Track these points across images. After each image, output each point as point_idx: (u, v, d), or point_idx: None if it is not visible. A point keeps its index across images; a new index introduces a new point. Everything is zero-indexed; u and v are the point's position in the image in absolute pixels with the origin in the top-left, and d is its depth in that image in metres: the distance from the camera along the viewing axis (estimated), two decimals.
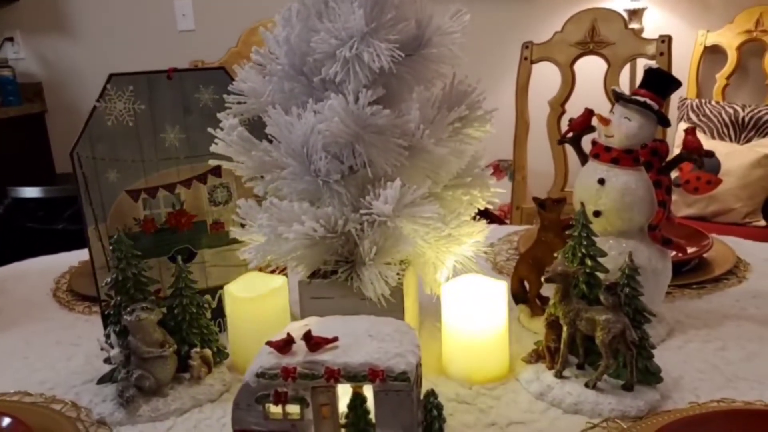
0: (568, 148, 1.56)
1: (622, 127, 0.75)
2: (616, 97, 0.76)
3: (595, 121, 0.79)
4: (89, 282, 1.03)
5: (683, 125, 2.18)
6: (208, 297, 0.83)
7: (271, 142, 0.70)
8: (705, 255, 1.00)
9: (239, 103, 0.74)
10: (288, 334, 0.56)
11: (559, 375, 0.69)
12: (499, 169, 2.44)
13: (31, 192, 2.48)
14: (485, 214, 0.77)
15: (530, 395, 0.68)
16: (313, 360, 0.54)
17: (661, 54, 1.60)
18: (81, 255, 1.20)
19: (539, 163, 1.90)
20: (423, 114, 0.65)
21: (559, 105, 1.76)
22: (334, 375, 0.53)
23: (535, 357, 0.73)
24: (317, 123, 0.62)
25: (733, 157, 2.04)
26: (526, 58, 1.79)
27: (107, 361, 0.73)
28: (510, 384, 0.71)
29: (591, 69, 1.79)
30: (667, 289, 0.82)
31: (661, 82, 0.76)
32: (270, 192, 0.72)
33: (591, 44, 1.69)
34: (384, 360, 0.54)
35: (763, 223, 2.01)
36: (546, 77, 1.82)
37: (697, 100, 2.22)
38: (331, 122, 0.61)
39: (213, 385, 0.72)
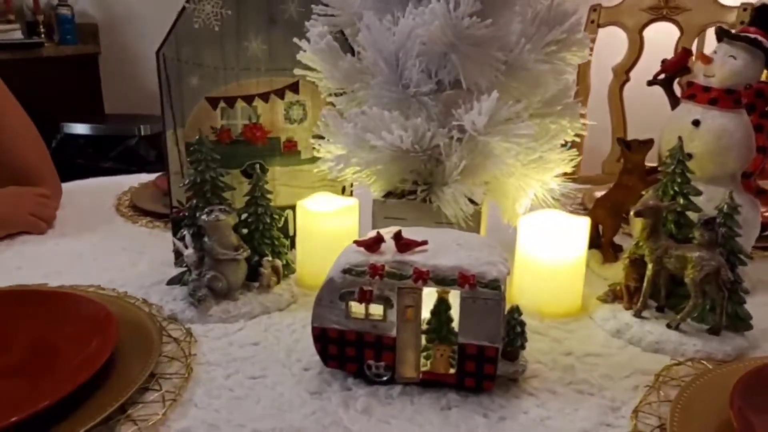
0: (631, 119, 1.47)
1: (726, 66, 0.71)
2: (722, 35, 0.72)
3: (692, 62, 0.75)
4: (151, 199, 1.05)
5: None
6: (276, 217, 0.82)
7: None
8: None
9: (326, 15, 0.73)
10: (378, 232, 0.55)
11: (638, 315, 0.66)
12: None
13: (81, 129, 2.52)
14: None
15: (605, 333, 0.66)
16: (401, 260, 0.53)
17: (742, 23, 1.52)
18: (140, 178, 1.22)
19: (595, 135, 1.84)
20: (524, 29, 0.62)
21: (623, 72, 1.70)
22: (423, 276, 0.52)
23: (612, 296, 0.71)
24: (416, 27, 0.60)
25: None
26: (593, 21, 1.72)
27: (179, 262, 0.73)
28: (583, 321, 0.69)
29: (661, 36, 1.71)
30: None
31: None
32: (352, 106, 0.70)
33: (664, 9, 1.62)
34: (475, 266, 0.52)
35: None
36: (612, 43, 1.76)
37: None
38: (431, 26, 0.59)
39: (282, 295, 0.72)
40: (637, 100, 1.76)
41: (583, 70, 1.73)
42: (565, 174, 0.73)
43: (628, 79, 1.70)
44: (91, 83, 2.94)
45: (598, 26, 1.71)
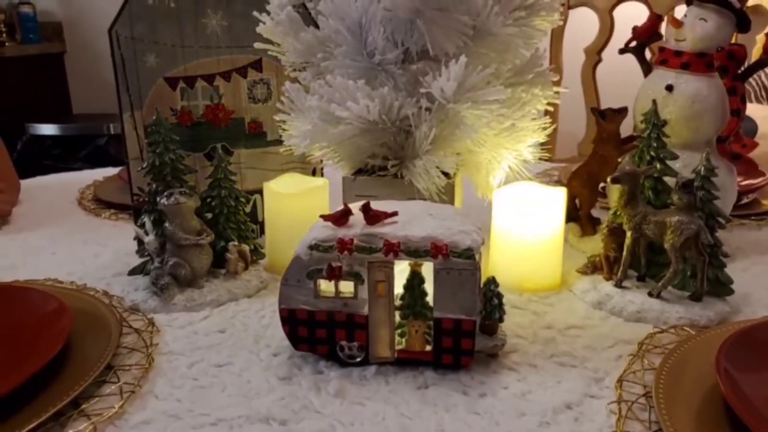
0: (605, 99, 1.44)
1: (697, 29, 0.69)
2: None
3: (663, 27, 0.74)
4: (116, 191, 1.01)
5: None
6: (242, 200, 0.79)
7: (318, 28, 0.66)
8: (758, 194, 0.95)
9: None
10: (345, 205, 0.52)
11: (619, 285, 0.65)
12: None
13: (48, 129, 2.45)
14: None
15: (586, 305, 0.65)
16: (371, 233, 0.50)
17: None
18: (105, 172, 1.17)
19: (570, 119, 1.84)
20: None
21: (595, 53, 1.69)
22: (394, 249, 0.49)
23: (591, 268, 0.69)
24: None
25: None
26: (563, 3, 1.71)
27: (140, 251, 0.69)
28: (563, 294, 0.67)
29: (631, 16, 1.71)
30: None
31: None
32: (317, 80, 0.67)
33: None
34: (447, 236, 0.50)
35: None
36: (582, 24, 1.75)
37: None
38: None
39: (250, 281, 0.68)
40: (611, 83, 1.76)
41: (555, 53, 1.72)
42: (540, 153, 0.71)
43: (600, 60, 1.69)
44: (57, 83, 2.86)
45: (569, 8, 1.70)
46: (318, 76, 0.67)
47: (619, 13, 1.66)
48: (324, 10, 0.62)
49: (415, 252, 0.50)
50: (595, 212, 0.82)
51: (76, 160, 2.42)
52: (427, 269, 0.51)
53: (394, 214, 0.51)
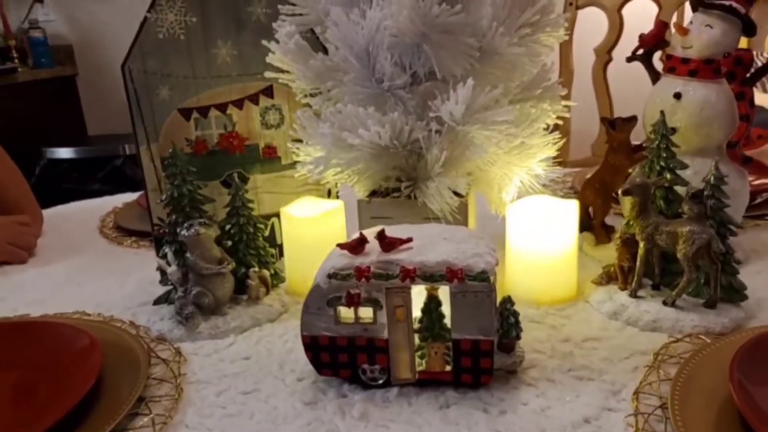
0: (617, 99, 1.42)
1: (703, 36, 0.70)
2: (697, 4, 0.71)
3: (669, 34, 0.74)
4: (135, 218, 1.03)
5: None
6: (260, 226, 0.81)
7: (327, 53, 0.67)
8: None
9: (294, 15, 0.71)
10: (361, 233, 0.53)
11: (633, 294, 0.65)
12: None
13: (64, 153, 2.49)
14: None
15: (603, 315, 0.65)
16: (387, 260, 0.51)
17: None
18: (124, 198, 1.20)
19: (582, 118, 1.83)
20: (495, 13, 0.61)
21: (605, 53, 1.69)
22: (410, 274, 0.51)
23: (606, 278, 0.69)
24: (383, 19, 0.59)
25: None
26: (571, 4, 1.71)
27: (164, 281, 0.71)
28: (579, 305, 0.68)
29: (640, 14, 1.70)
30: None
31: None
32: (328, 106, 0.68)
33: None
34: (462, 259, 0.51)
35: None
36: (592, 24, 1.75)
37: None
38: (399, 17, 0.58)
39: (272, 306, 0.70)
40: (622, 80, 1.75)
41: (565, 54, 1.72)
42: (553, 159, 0.72)
43: (610, 60, 1.69)
44: (71, 106, 2.91)
45: (577, 8, 1.70)
46: (328, 102, 0.69)
47: (627, 11, 1.66)
48: (331, 38, 0.64)
49: (431, 277, 0.51)
50: (609, 219, 0.82)
51: (94, 182, 2.46)
52: (444, 291, 0.52)
53: (409, 240, 0.53)
